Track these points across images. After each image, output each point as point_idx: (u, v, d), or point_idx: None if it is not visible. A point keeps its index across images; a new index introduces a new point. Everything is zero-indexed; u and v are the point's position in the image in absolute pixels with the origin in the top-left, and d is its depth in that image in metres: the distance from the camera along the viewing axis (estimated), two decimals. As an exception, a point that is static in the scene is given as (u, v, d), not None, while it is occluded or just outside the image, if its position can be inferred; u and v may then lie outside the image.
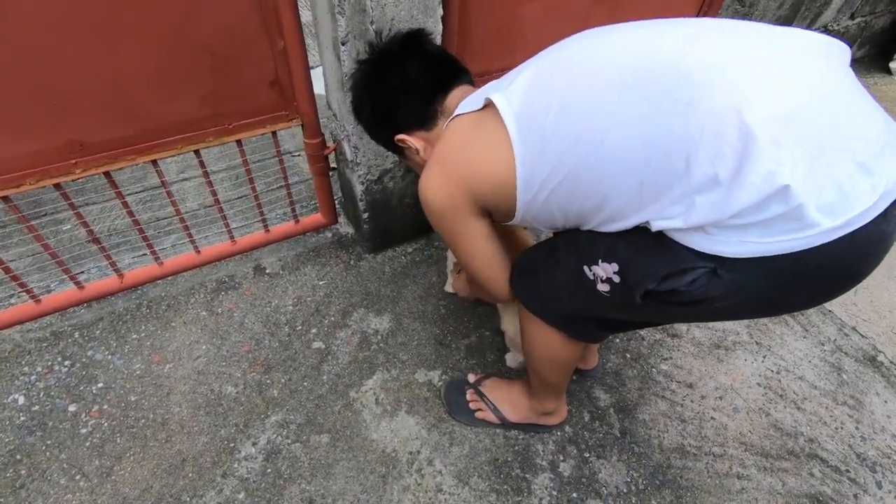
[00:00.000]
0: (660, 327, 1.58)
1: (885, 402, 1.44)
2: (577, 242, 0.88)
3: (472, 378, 1.39)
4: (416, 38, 0.98)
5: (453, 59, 1.04)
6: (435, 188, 0.88)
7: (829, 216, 0.63)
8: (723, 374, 1.48)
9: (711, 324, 1.60)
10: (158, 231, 1.77)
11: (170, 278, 1.62)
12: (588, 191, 0.76)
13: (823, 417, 1.40)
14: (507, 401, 1.32)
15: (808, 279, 0.70)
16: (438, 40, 1.26)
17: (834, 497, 1.26)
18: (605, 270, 0.82)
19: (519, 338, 1.28)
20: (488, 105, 0.84)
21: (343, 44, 1.15)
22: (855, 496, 1.26)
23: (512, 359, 1.46)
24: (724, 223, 0.66)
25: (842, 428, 1.39)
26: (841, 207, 0.63)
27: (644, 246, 0.76)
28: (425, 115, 0.98)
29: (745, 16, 1.84)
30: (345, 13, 1.10)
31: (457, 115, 0.90)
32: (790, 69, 0.67)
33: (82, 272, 1.62)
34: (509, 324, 1.32)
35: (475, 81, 1.52)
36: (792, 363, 1.51)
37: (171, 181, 1.96)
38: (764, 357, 1.53)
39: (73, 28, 1.00)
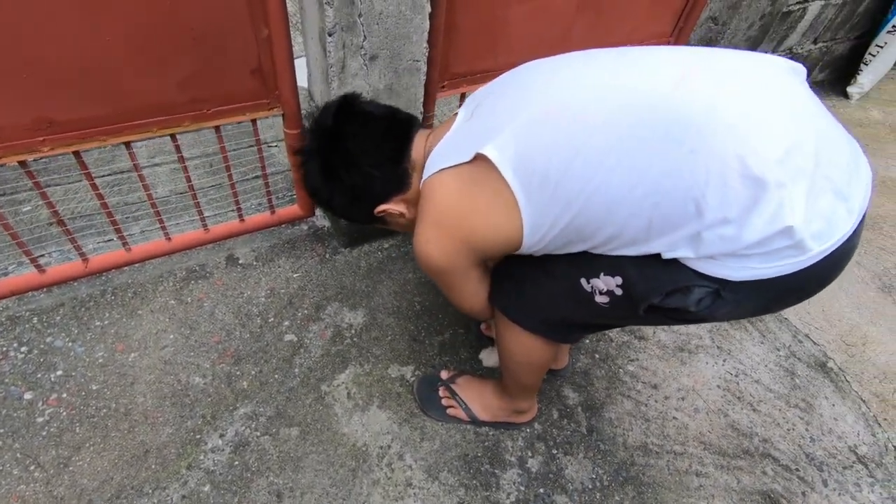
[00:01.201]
0: (627, 329, 1.63)
1: (833, 405, 1.52)
2: (575, 256, 0.87)
3: (444, 375, 1.40)
4: (349, 104, 0.96)
5: (396, 110, 1.02)
6: (436, 250, 0.86)
7: (819, 242, 0.71)
8: (685, 376, 1.54)
9: (676, 328, 1.66)
10: (126, 216, 1.71)
11: (137, 265, 1.57)
12: (594, 230, 0.77)
13: (777, 419, 1.48)
14: (479, 400, 1.33)
15: (795, 291, 0.81)
16: (425, 37, 1.27)
17: (784, 494, 1.33)
18: (606, 283, 0.83)
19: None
20: (478, 158, 0.79)
21: (330, 35, 1.14)
22: (803, 494, 1.33)
23: (487, 357, 1.47)
24: (732, 253, 0.72)
25: (793, 429, 1.46)
26: (827, 234, 0.72)
27: (650, 263, 0.78)
28: (400, 178, 0.95)
29: (719, 34, 1.92)
30: (333, 4, 1.09)
31: (441, 170, 0.84)
32: (780, 103, 0.72)
33: (43, 255, 1.56)
34: None
35: (459, 83, 1.54)
36: (750, 367, 1.59)
37: (142, 166, 1.90)
38: (724, 361, 1.59)
39: None
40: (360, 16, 1.14)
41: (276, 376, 1.39)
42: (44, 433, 1.23)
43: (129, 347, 1.40)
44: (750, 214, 0.68)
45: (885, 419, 1.51)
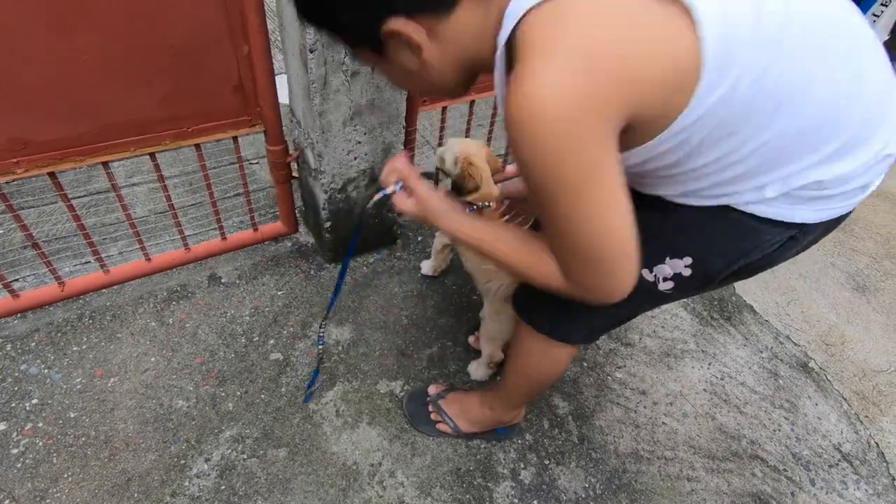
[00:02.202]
0: (613, 336, 1.65)
1: (816, 404, 1.55)
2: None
3: (432, 391, 1.39)
4: None
5: None
6: (563, 86, 0.52)
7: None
8: (672, 381, 1.56)
9: (661, 333, 1.68)
10: (104, 237, 1.67)
11: (116, 287, 1.53)
12: (753, 125, 0.61)
13: (763, 420, 1.50)
14: (465, 416, 1.32)
15: (831, 230, 0.78)
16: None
17: (774, 495, 1.34)
18: (672, 267, 0.77)
19: (501, 333, 1.30)
20: None
21: (311, 51, 1.15)
22: (792, 494, 1.35)
23: (475, 370, 1.47)
24: (820, 194, 0.69)
25: (779, 430, 1.48)
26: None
27: (717, 230, 0.73)
28: None
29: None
30: (314, 21, 1.10)
31: None
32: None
33: (17, 279, 1.51)
34: (492, 316, 1.30)
35: (441, 97, 1.55)
36: (734, 370, 1.61)
37: (120, 186, 1.86)
38: (709, 364, 1.61)
39: (24, 13, 0.95)
40: (341, 32, 1.15)
41: (263, 396, 1.36)
42: (19, 465, 1.18)
43: (108, 372, 1.35)
44: (860, 151, 0.66)
45: (867, 416, 1.54)
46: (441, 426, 1.33)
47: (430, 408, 1.35)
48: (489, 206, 1.23)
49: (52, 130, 1.11)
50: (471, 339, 1.54)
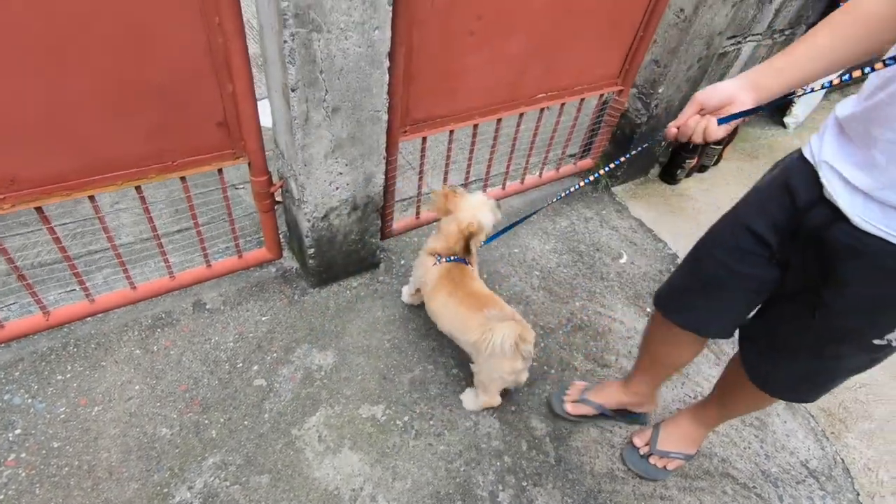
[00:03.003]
0: (590, 357, 1.70)
1: (785, 422, 1.61)
2: (852, 334, 0.88)
3: (639, 442, 1.45)
4: None
5: None
6: None
7: None
8: (647, 401, 1.60)
9: (636, 353, 1.73)
10: (90, 265, 1.69)
11: (101, 315, 1.55)
12: None
13: (734, 438, 1.55)
14: (687, 440, 1.39)
15: None
16: (385, 89, 1.34)
17: (743, 512, 1.39)
18: None
19: (490, 383, 1.35)
20: None
21: (293, 90, 1.20)
22: (761, 510, 1.40)
23: (469, 401, 1.49)
24: None
25: (749, 447, 1.53)
26: None
27: None
28: None
29: (661, 74, 2.06)
30: (295, 62, 1.15)
31: None
32: None
33: (2, 309, 1.53)
34: (484, 370, 1.35)
35: (420, 127, 1.61)
36: (707, 389, 1.66)
37: (105, 212, 1.89)
38: (682, 384, 1.67)
39: (13, 56, 0.99)
40: (321, 72, 1.20)
41: (246, 423, 1.39)
42: (1, 497, 1.19)
43: (92, 401, 1.37)
44: None
45: (832, 432, 1.60)
46: (673, 464, 1.40)
47: (654, 459, 1.40)
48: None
49: (40, 167, 1.15)
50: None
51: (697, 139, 0.87)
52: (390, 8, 1.19)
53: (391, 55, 1.31)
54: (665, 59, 2.02)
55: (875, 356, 0.91)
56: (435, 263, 1.43)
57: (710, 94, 0.86)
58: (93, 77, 1.08)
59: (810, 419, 1.63)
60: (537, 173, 2.25)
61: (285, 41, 1.11)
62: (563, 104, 1.98)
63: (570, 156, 2.38)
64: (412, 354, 1.62)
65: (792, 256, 0.93)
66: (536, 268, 1.97)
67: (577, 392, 1.52)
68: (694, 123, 0.87)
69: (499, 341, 1.19)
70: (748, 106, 0.84)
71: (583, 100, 2.02)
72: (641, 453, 1.42)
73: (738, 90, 0.84)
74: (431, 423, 1.46)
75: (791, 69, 0.81)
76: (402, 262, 1.91)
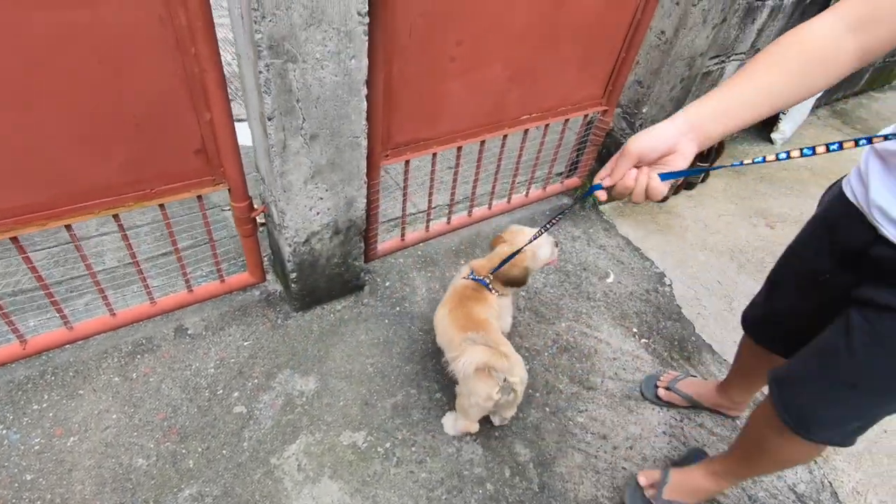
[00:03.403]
0: (576, 380, 1.68)
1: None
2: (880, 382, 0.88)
3: (644, 481, 1.37)
4: None
5: None
6: None
7: None
8: (633, 424, 1.59)
9: (622, 376, 1.72)
10: (72, 291, 1.68)
11: (81, 342, 1.54)
12: None
13: (720, 462, 1.53)
14: (696, 497, 1.32)
15: None
16: (363, 116, 1.34)
17: (730, 539, 1.37)
18: None
19: (468, 408, 1.33)
20: None
21: (270, 119, 1.20)
22: (748, 537, 1.38)
23: (450, 425, 1.47)
24: None
25: (736, 472, 1.51)
26: None
27: None
28: None
29: (644, 95, 2.08)
30: (271, 92, 1.16)
31: None
32: None
33: (-21, 337, 1.51)
34: (462, 393, 1.34)
35: (403, 151, 1.62)
36: (693, 411, 1.65)
37: (90, 235, 1.88)
38: (668, 407, 1.65)
39: (-15, 98, 0.99)
40: (298, 101, 1.21)
41: (224, 452, 1.37)
42: (-29, 532, 1.17)
43: (68, 431, 1.35)
44: None
45: (821, 455, 1.58)
46: None
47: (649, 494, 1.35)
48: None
49: (16, 197, 1.14)
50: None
51: (639, 199, 0.75)
52: (366, 38, 1.20)
53: (369, 82, 1.32)
54: (648, 79, 2.04)
55: None
56: (466, 277, 1.47)
57: (649, 144, 0.74)
58: (67, 109, 1.08)
59: (798, 441, 1.61)
60: (524, 192, 2.26)
61: (260, 72, 1.12)
62: (547, 125, 1.99)
63: (558, 174, 2.39)
64: (395, 379, 1.60)
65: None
66: (522, 288, 1.96)
67: (668, 380, 1.63)
68: (632, 181, 0.74)
69: (461, 364, 1.19)
70: (690, 154, 0.75)
71: (567, 120, 2.04)
72: (647, 495, 1.35)
73: (680, 137, 0.73)
74: (413, 449, 1.44)
75: (734, 111, 0.73)
76: (388, 283, 1.90)
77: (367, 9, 1.15)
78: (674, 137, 0.73)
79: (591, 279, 2.06)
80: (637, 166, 0.75)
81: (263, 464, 1.36)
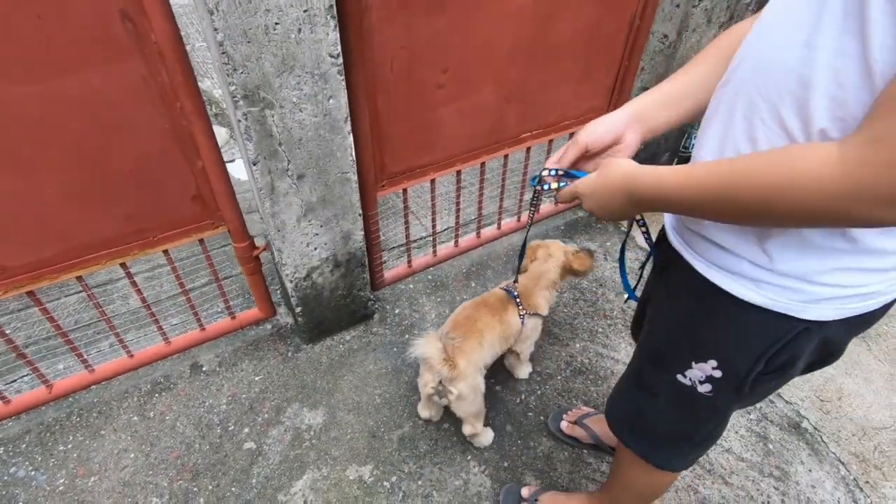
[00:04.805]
0: (591, 402, 1.61)
1: (810, 471, 1.46)
2: (657, 357, 0.85)
3: (525, 492, 1.36)
4: None
5: None
6: None
7: None
8: (652, 451, 1.50)
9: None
10: (97, 332, 1.78)
11: (105, 383, 1.62)
12: None
13: (750, 491, 1.42)
14: None
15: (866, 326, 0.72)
16: (350, 152, 1.36)
17: (762, 579, 1.26)
18: (702, 370, 0.78)
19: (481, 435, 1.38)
20: None
21: (254, 164, 1.23)
22: (782, 576, 1.26)
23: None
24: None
25: (768, 502, 1.40)
26: None
27: (741, 330, 0.71)
28: None
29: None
30: (252, 139, 1.19)
31: None
32: None
33: (14, 381, 1.62)
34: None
35: (399, 180, 1.62)
36: (719, 435, 1.54)
37: (115, 279, 1.99)
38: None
39: (-11, 169, 1.07)
40: (280, 144, 1.23)
41: (234, 489, 1.39)
42: (0, 572, 1.24)
43: (89, 471, 1.42)
44: None
45: (867, 482, 1.44)
46: None
47: None
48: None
49: (26, 255, 1.22)
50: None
51: (563, 198, 0.78)
52: (342, 77, 1.22)
53: (353, 118, 1.33)
54: (655, 85, 1.96)
55: (690, 404, 0.82)
56: (503, 287, 1.51)
57: (597, 134, 0.76)
58: (68, 173, 1.15)
59: (840, 466, 1.47)
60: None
61: (239, 120, 1.15)
62: (551, 140, 1.95)
63: (570, 188, 2.33)
64: (402, 409, 1.59)
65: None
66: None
67: (577, 415, 1.51)
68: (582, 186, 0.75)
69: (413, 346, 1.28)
70: (634, 146, 0.77)
71: (571, 134, 1.98)
72: (523, 496, 1.35)
73: (626, 127, 0.75)
74: (420, 483, 1.42)
75: (673, 101, 0.74)
76: (397, 311, 1.90)
77: (338, 50, 1.17)
78: (620, 129, 0.76)
79: (608, 296, 1.98)
80: (588, 157, 0.79)
81: (271, 501, 1.37)
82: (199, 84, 1.23)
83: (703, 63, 0.74)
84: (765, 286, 0.65)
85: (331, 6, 1.10)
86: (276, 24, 1.06)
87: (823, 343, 0.70)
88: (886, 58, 0.45)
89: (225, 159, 1.34)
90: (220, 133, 2.83)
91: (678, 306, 0.80)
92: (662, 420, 0.90)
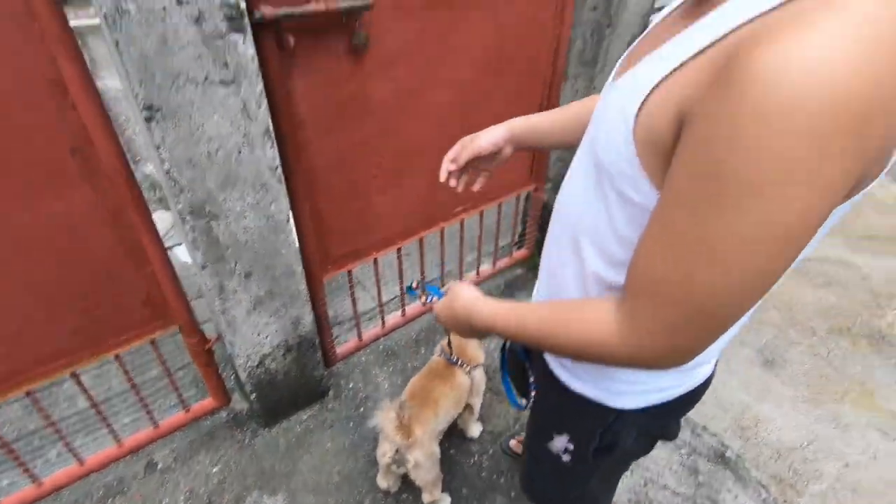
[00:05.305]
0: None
1: (736, 497, 1.62)
2: (535, 426, 0.96)
3: None
4: None
5: None
6: (861, 67, 0.36)
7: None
8: (598, 496, 1.62)
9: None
10: (42, 440, 1.74)
11: (53, 495, 1.58)
12: None
13: (687, 524, 1.55)
14: None
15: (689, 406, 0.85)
16: (294, 248, 1.47)
17: None
18: (560, 442, 0.89)
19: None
20: None
21: (203, 268, 1.32)
22: None
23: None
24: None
25: (703, 532, 1.53)
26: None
27: (577, 409, 0.82)
28: None
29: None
30: (200, 248, 1.28)
31: None
32: None
33: (-47, 505, 1.56)
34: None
35: (344, 262, 1.74)
36: (656, 473, 1.68)
37: (58, 381, 1.96)
38: (632, 472, 1.69)
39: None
40: (227, 249, 1.33)
41: (195, 590, 1.39)
42: None
43: (40, 592, 1.38)
44: None
45: (784, 500, 1.61)
46: None
47: None
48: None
49: (-27, 377, 1.24)
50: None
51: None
52: (282, 184, 1.35)
53: (295, 217, 1.45)
54: (569, 156, 2.21)
55: (560, 471, 0.93)
56: (439, 355, 1.60)
57: (486, 143, 0.90)
58: (13, 292, 1.20)
59: (761, 490, 1.64)
60: (474, 272, 2.37)
61: (187, 233, 1.25)
62: (482, 211, 2.13)
63: (503, 246, 2.52)
64: (362, 484, 1.64)
65: None
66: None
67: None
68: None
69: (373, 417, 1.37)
70: (508, 156, 0.93)
71: (500, 205, 2.19)
72: None
73: (504, 142, 0.91)
74: (382, 558, 1.46)
75: (540, 130, 0.90)
76: (351, 385, 1.97)
77: (277, 163, 1.30)
78: (501, 142, 0.90)
79: (548, 348, 2.13)
80: (473, 164, 0.94)
81: None
82: (143, 169, 1.32)
83: (567, 111, 0.91)
84: (586, 379, 0.80)
85: (267, 128, 1.24)
86: (218, 149, 1.19)
87: (644, 426, 0.83)
88: (626, 234, 0.58)
89: (170, 244, 1.42)
90: (165, 218, 2.87)
91: (543, 386, 0.91)
92: (546, 485, 1.03)
